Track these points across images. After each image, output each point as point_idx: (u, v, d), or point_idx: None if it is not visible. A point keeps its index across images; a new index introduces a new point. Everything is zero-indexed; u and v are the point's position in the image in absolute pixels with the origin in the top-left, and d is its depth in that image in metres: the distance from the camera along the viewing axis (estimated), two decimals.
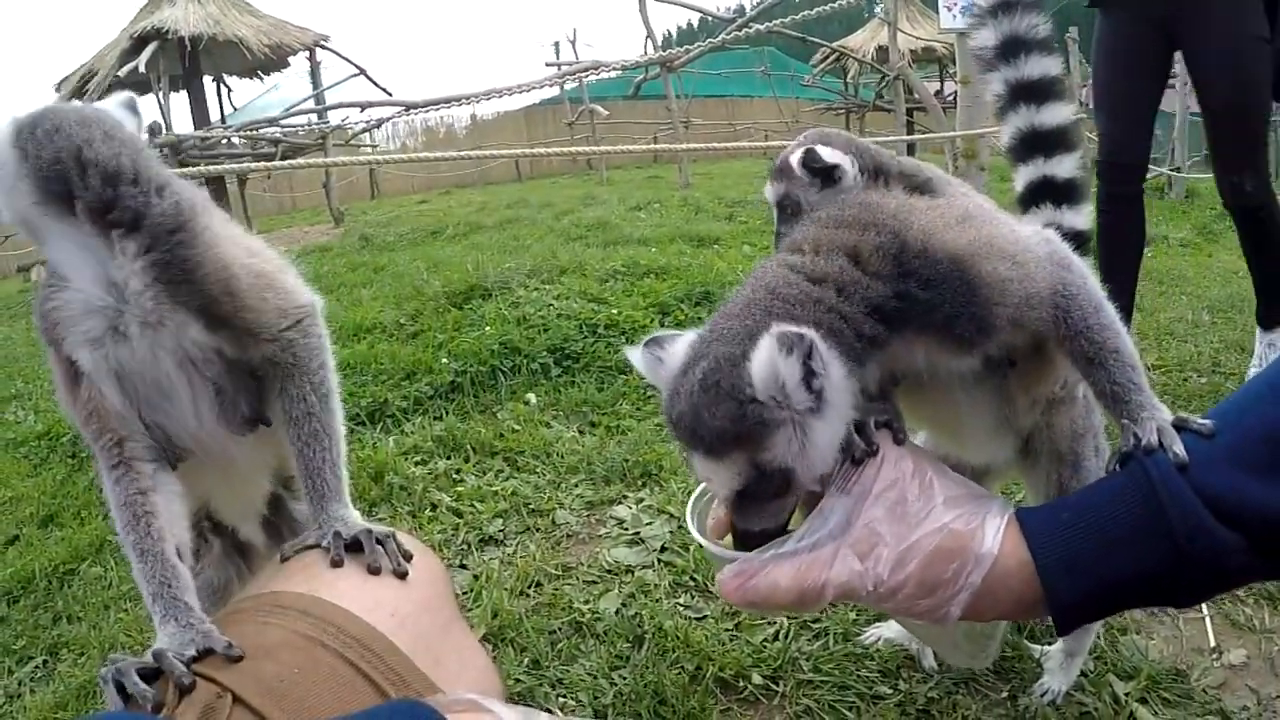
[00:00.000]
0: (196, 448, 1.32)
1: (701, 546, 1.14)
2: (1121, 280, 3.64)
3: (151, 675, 1.01)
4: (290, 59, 16.39)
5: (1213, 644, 2.18)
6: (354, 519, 1.30)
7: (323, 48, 16.01)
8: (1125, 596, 0.96)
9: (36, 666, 2.57)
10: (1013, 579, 0.95)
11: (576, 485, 3.28)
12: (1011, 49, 1.78)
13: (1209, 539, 0.87)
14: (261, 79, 17.39)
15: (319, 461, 1.33)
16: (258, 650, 1.01)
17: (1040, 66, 1.78)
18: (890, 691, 2.05)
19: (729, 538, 1.16)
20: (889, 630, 2.20)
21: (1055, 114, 1.83)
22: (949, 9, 7.93)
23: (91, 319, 1.17)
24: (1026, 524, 0.98)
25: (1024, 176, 1.93)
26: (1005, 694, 2.03)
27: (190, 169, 4.27)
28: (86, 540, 3.25)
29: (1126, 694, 1.98)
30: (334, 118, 15.35)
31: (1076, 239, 1.83)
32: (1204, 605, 2.30)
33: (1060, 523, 0.96)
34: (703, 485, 1.17)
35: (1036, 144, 1.87)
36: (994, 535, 0.96)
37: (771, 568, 1.01)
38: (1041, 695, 1.98)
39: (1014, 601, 0.96)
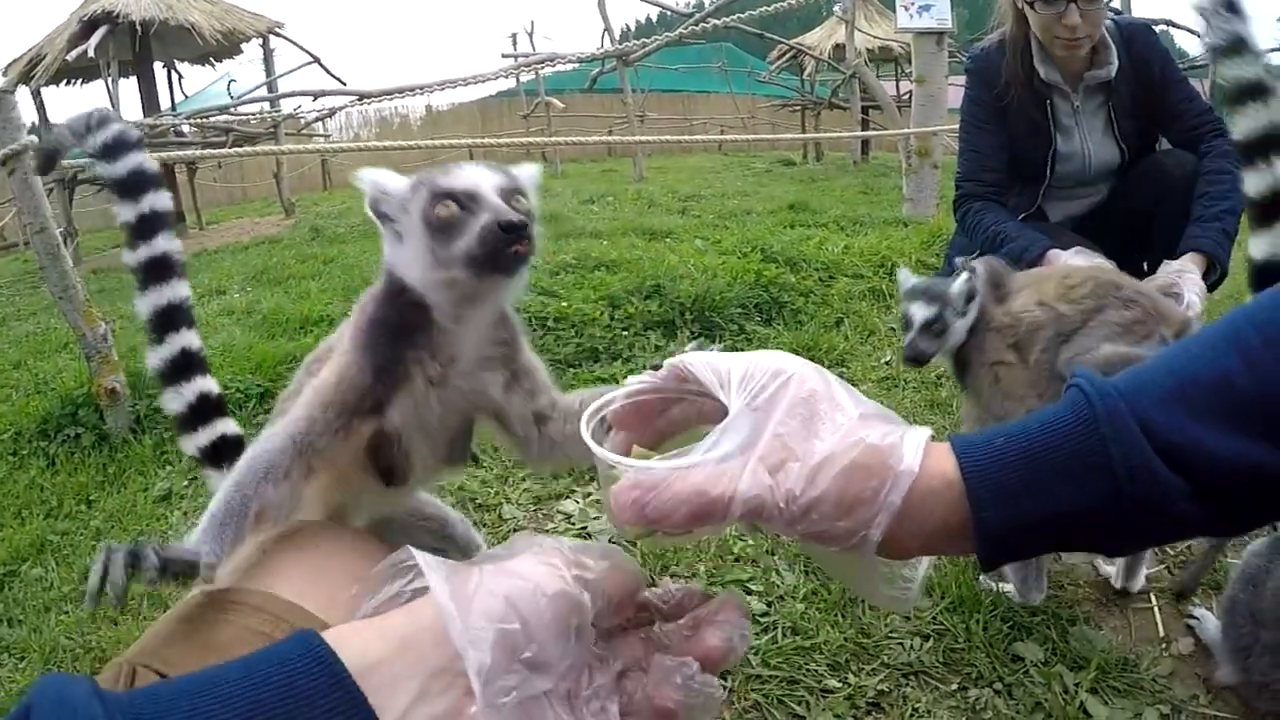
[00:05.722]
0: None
1: (593, 454, 0.95)
2: None
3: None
4: (243, 46, 16.14)
5: (1162, 634, 2.21)
6: None
7: (276, 35, 15.73)
8: (1059, 533, 0.90)
9: None
10: (937, 500, 0.88)
11: (524, 480, 3.24)
12: None
13: (1150, 479, 0.83)
14: (214, 66, 17.13)
15: None
16: (211, 647, 0.99)
17: None
18: (840, 685, 2.05)
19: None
20: None
21: None
22: (906, 8, 8.01)
23: None
24: (957, 445, 0.91)
25: None
26: (955, 685, 2.04)
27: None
28: (27, 540, 3.17)
29: (1077, 684, 2.00)
30: (286, 106, 15.16)
31: None
32: (1152, 596, 2.33)
33: (994, 447, 0.90)
34: (603, 398, 1.02)
35: None
36: (914, 452, 0.89)
37: (673, 480, 0.89)
38: None
39: (938, 525, 0.89)
